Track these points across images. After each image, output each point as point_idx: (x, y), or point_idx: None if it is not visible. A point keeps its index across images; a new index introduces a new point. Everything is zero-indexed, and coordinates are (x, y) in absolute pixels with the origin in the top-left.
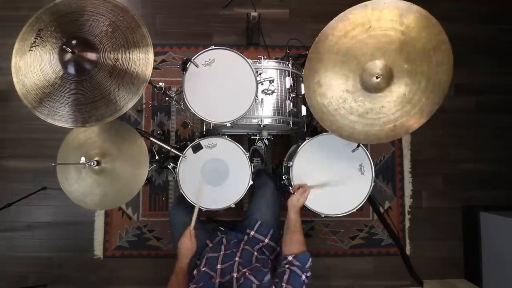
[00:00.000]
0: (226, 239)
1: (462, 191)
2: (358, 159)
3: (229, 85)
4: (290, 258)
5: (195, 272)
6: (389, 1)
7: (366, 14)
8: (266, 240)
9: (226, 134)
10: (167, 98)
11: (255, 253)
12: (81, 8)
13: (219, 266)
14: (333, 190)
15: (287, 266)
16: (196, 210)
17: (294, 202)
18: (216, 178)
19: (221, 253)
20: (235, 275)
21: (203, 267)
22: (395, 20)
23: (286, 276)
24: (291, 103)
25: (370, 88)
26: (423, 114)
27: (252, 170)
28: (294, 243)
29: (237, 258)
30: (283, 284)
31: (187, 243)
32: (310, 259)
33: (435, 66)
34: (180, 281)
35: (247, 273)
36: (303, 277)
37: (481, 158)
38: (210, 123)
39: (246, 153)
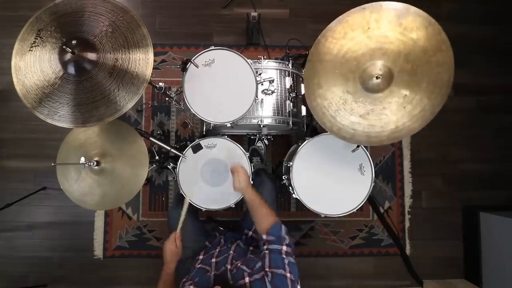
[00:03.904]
0: (224, 239)
1: (462, 191)
2: (358, 159)
3: (229, 85)
4: (264, 236)
5: (190, 270)
6: (387, 4)
7: (365, 16)
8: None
9: (226, 134)
10: (167, 98)
11: (250, 248)
12: (81, 8)
13: (213, 260)
14: (333, 190)
15: (265, 247)
16: (183, 215)
17: (238, 185)
18: (216, 178)
19: (217, 250)
20: (228, 266)
21: (198, 265)
22: (393, 21)
23: (266, 260)
24: (291, 103)
25: (370, 88)
26: (426, 114)
27: (252, 170)
28: (261, 219)
29: (231, 252)
30: (267, 270)
31: (172, 247)
32: (283, 227)
33: (435, 66)
34: None
35: (239, 264)
36: (284, 247)
37: (481, 158)
38: (210, 123)
39: (246, 153)
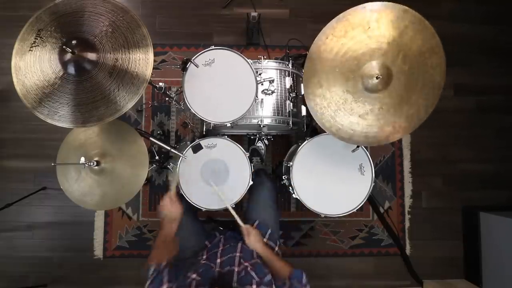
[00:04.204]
0: (224, 238)
1: (462, 191)
2: (358, 159)
3: (229, 85)
4: (286, 281)
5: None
6: (386, 4)
7: (365, 15)
8: (264, 240)
9: (226, 134)
10: (167, 98)
11: None
12: (81, 8)
13: (218, 260)
14: (333, 190)
15: (287, 282)
16: (176, 176)
17: (252, 245)
18: (216, 178)
19: (220, 248)
20: (236, 268)
21: (203, 261)
22: (393, 22)
23: (287, 285)
24: (291, 103)
25: (369, 88)
26: (420, 114)
27: (252, 170)
28: (280, 271)
29: (237, 253)
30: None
31: (169, 208)
32: (303, 274)
33: (430, 68)
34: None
35: (248, 268)
36: None
37: (481, 158)
38: (210, 123)
39: (246, 153)
